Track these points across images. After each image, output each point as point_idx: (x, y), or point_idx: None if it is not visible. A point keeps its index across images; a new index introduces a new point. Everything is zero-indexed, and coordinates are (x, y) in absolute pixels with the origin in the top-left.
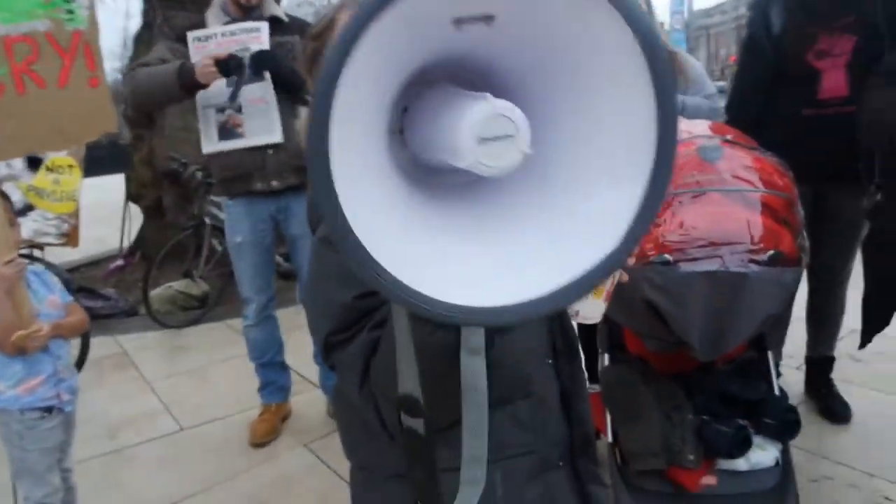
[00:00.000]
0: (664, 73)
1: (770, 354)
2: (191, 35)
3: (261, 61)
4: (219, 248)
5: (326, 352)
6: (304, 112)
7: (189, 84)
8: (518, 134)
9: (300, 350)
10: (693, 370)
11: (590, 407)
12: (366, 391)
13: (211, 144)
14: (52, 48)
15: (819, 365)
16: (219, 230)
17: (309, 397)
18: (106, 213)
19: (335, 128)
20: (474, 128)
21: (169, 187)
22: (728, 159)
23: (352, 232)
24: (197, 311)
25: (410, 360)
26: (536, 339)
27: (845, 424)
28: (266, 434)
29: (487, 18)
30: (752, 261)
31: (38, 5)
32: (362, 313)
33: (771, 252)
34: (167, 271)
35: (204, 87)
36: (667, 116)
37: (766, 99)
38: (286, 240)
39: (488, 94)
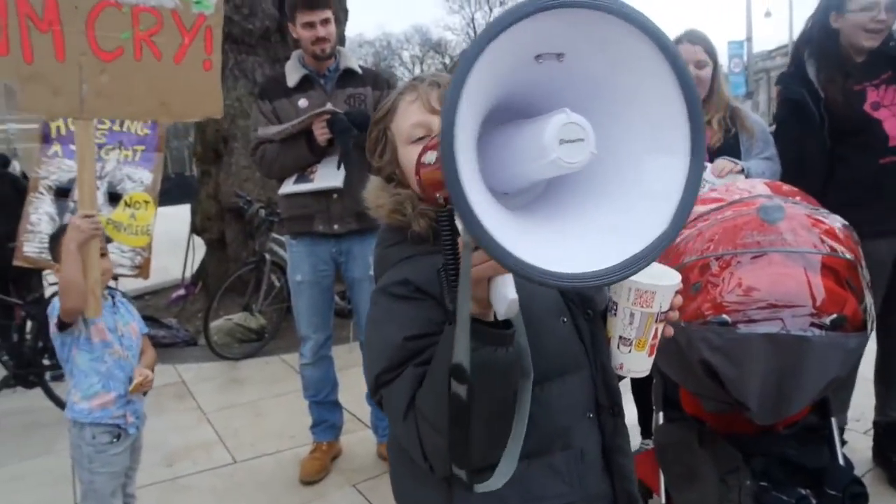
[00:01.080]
0: (684, 74)
1: (834, 420)
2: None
3: (356, 122)
4: (277, 283)
5: (375, 390)
6: None
7: (320, 153)
8: (587, 137)
9: (353, 389)
10: (752, 433)
11: (633, 463)
12: (409, 420)
13: (287, 187)
14: (175, 25)
15: (889, 430)
16: (278, 267)
17: (360, 437)
18: (170, 243)
19: (461, 158)
20: (557, 132)
21: (232, 222)
22: (790, 219)
23: (487, 231)
24: (254, 343)
25: (465, 335)
26: (578, 392)
27: None
28: (316, 472)
29: (560, 55)
30: (813, 324)
31: None
32: (411, 353)
33: (834, 316)
34: (227, 304)
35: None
36: (693, 105)
37: (830, 161)
38: (346, 282)
39: (566, 108)
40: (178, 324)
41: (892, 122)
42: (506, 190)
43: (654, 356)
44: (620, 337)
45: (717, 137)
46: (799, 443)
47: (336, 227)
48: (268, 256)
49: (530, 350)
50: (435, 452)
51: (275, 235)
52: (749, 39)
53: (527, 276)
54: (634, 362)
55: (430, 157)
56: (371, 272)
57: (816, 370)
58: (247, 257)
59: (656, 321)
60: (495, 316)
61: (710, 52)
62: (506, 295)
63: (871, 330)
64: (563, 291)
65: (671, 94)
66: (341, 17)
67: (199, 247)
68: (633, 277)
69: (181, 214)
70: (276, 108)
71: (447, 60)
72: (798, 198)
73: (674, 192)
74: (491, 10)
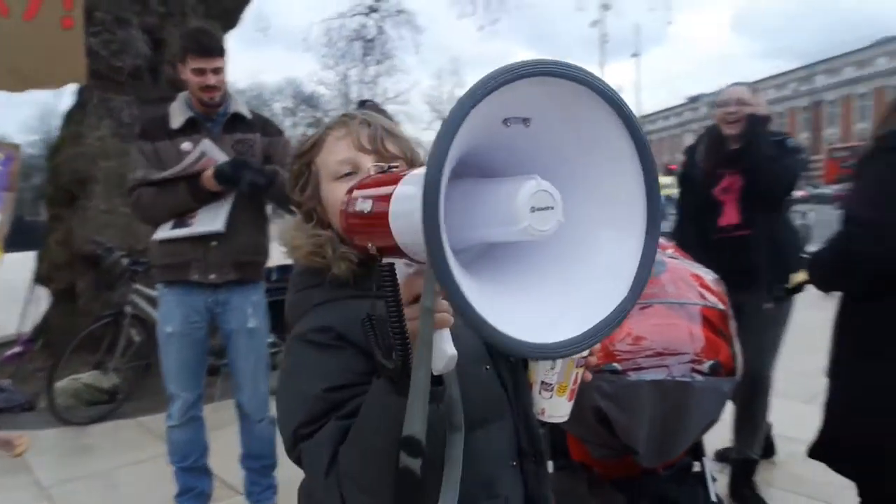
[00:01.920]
0: (647, 152)
1: (705, 461)
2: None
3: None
4: (136, 339)
5: (294, 444)
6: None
7: (203, 198)
8: (556, 205)
9: (222, 452)
10: (635, 476)
11: None
12: (332, 477)
13: (163, 232)
14: None
15: (745, 466)
16: (140, 320)
17: None
18: (4, 294)
19: (441, 222)
20: (528, 200)
21: (85, 271)
22: (671, 273)
23: (465, 298)
24: (105, 406)
25: (422, 406)
26: (502, 440)
27: None
28: None
29: (526, 120)
30: (694, 370)
31: None
32: (332, 405)
33: (711, 362)
34: (73, 362)
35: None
36: (651, 182)
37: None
38: (222, 334)
39: (536, 175)
40: (13, 385)
41: (729, 206)
42: (455, 247)
43: (573, 401)
44: (542, 382)
45: None
46: (677, 483)
47: (212, 276)
48: (128, 309)
49: (470, 396)
50: None
51: (137, 287)
52: None
53: (500, 346)
54: (555, 407)
55: (364, 205)
56: (249, 325)
57: (697, 413)
58: (100, 310)
59: (576, 366)
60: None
61: None
62: (446, 351)
63: (739, 375)
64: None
65: (631, 169)
66: None
67: (41, 298)
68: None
69: (19, 262)
70: (157, 150)
71: (319, 114)
72: (673, 250)
73: (630, 266)
74: (366, 66)
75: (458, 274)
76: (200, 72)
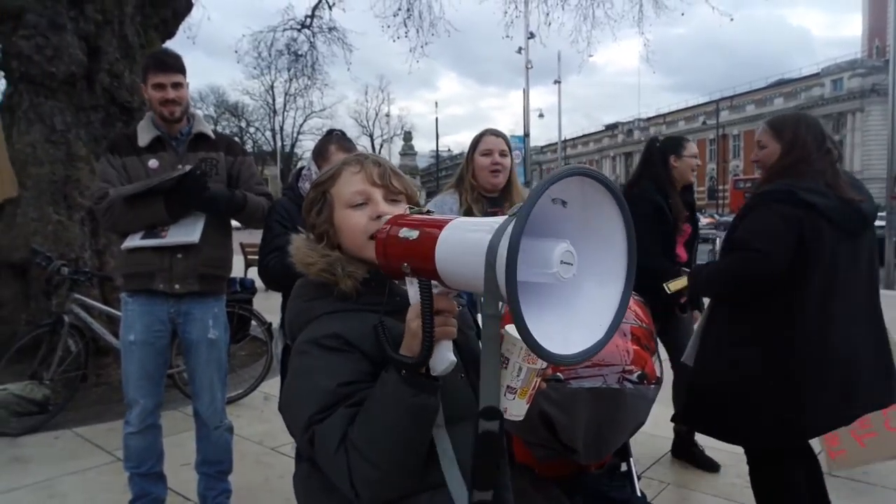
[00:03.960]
0: (629, 221)
1: (631, 460)
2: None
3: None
4: (73, 349)
5: (307, 428)
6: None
7: (178, 213)
8: (574, 262)
9: (171, 460)
10: (571, 475)
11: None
12: (340, 453)
13: (132, 241)
14: None
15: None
16: (77, 330)
17: None
18: None
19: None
20: (560, 255)
21: (11, 281)
22: None
23: (525, 321)
24: (38, 416)
25: (495, 382)
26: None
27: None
28: None
29: (564, 202)
30: (626, 379)
31: None
32: (341, 397)
33: (639, 372)
34: (2, 371)
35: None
36: (631, 244)
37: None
38: (183, 344)
39: (567, 239)
40: None
41: (680, 247)
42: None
43: (529, 404)
44: (508, 386)
45: None
46: (608, 480)
47: (177, 286)
48: (66, 318)
49: (447, 397)
50: (363, 482)
51: (76, 296)
52: (527, 135)
53: (542, 355)
54: (515, 408)
55: (411, 233)
56: (209, 335)
57: (628, 416)
58: (27, 319)
59: (537, 375)
60: (427, 369)
61: (509, 146)
62: (448, 357)
63: (660, 383)
64: (460, 352)
65: (620, 238)
66: None
67: None
68: (523, 338)
69: None
70: (125, 165)
71: (243, 124)
72: None
73: (613, 304)
74: (290, 80)
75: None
76: (160, 87)
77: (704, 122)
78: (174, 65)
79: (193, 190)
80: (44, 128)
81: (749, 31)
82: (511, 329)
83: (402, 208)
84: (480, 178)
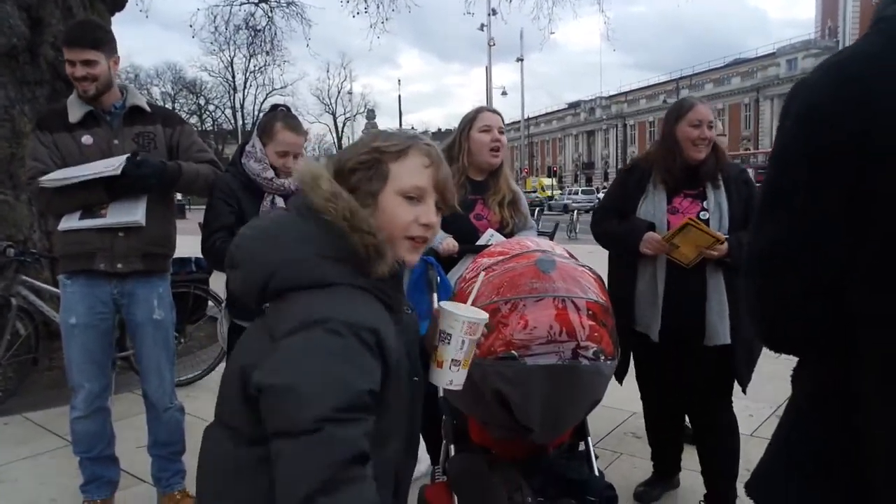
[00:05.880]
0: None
1: (589, 439)
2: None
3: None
4: (23, 332)
5: (322, 420)
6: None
7: (118, 193)
8: None
9: (123, 442)
10: (528, 456)
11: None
12: (352, 470)
13: (70, 222)
14: None
15: None
16: (26, 313)
17: (134, 492)
18: None
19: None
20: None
21: None
22: (560, 270)
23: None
24: None
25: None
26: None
27: None
28: None
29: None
30: (581, 356)
31: None
32: (364, 407)
33: (595, 348)
34: None
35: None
36: None
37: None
38: (128, 326)
39: None
40: None
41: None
42: None
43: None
44: (453, 360)
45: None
46: (566, 460)
47: (119, 265)
48: (14, 301)
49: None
50: None
51: (24, 278)
52: None
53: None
54: (459, 378)
55: None
56: (155, 316)
57: (584, 393)
58: None
59: (476, 346)
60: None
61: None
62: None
63: (616, 358)
64: (422, 353)
65: None
66: None
67: None
68: (463, 314)
69: None
70: (56, 142)
71: (202, 101)
72: (562, 251)
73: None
74: (250, 56)
75: None
76: (71, 63)
77: (665, 101)
78: (83, 39)
79: (136, 179)
80: None
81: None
82: (449, 306)
83: (438, 220)
84: (478, 157)
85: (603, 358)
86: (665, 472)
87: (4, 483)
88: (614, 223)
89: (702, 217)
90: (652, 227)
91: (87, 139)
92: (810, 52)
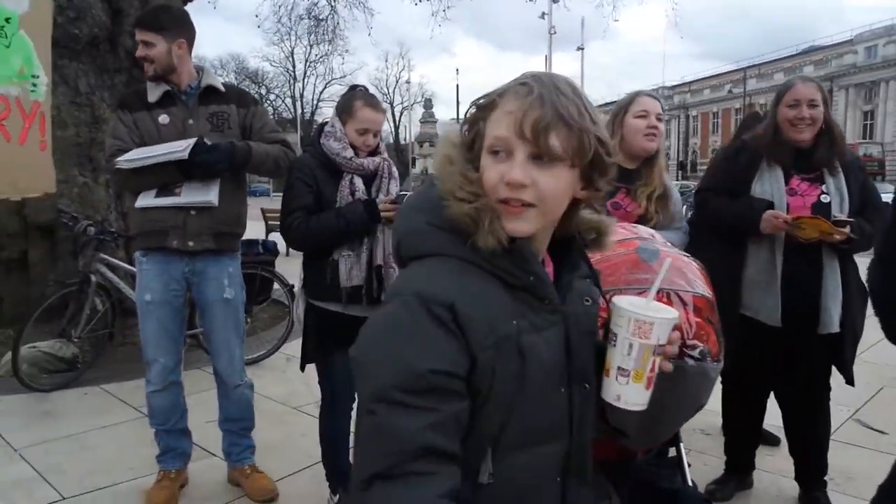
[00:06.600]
0: None
1: (682, 446)
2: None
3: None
4: (101, 308)
5: (370, 400)
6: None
7: (190, 175)
8: None
9: (195, 416)
10: (616, 460)
11: None
12: (407, 474)
13: (146, 199)
14: (18, 110)
15: None
16: (104, 289)
17: (204, 465)
18: None
19: None
20: None
21: (38, 240)
22: (663, 259)
23: None
24: (67, 373)
25: None
26: (551, 459)
27: None
28: (165, 501)
29: None
30: (687, 355)
31: (13, 74)
32: (429, 388)
33: (701, 347)
34: (31, 330)
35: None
36: None
37: None
38: (198, 305)
39: None
40: None
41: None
42: None
43: (651, 390)
44: (619, 367)
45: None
46: (656, 467)
47: (191, 243)
48: (93, 278)
49: (520, 414)
50: None
51: (103, 255)
52: None
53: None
54: (631, 394)
55: None
56: (225, 295)
57: (687, 397)
58: (54, 279)
59: (654, 353)
60: None
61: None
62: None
63: (722, 361)
64: (570, 359)
65: None
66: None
67: None
68: (633, 309)
69: None
70: (136, 120)
71: (263, 91)
72: (662, 238)
73: None
74: (311, 46)
75: None
76: (137, 45)
77: (730, 91)
78: (142, 21)
79: (202, 163)
80: (68, 90)
81: None
82: (619, 300)
83: (564, 176)
84: (632, 143)
85: (709, 359)
86: (738, 470)
87: (90, 448)
88: (725, 202)
89: (822, 201)
90: (770, 206)
91: (163, 118)
92: (892, 38)
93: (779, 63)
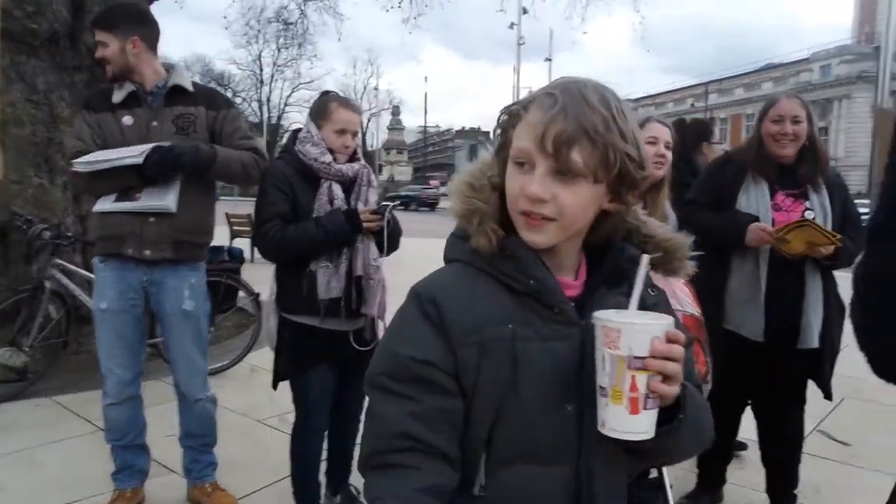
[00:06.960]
0: None
1: (664, 469)
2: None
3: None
4: (55, 315)
5: (368, 385)
6: None
7: (150, 179)
8: None
9: (154, 429)
10: None
11: None
12: (390, 463)
13: (105, 203)
14: None
15: None
16: (59, 296)
17: (162, 482)
18: None
19: None
20: None
21: None
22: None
23: None
24: (16, 384)
25: None
26: (558, 483)
27: None
28: None
29: None
30: None
31: None
32: (407, 376)
33: None
34: None
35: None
36: None
37: None
38: (156, 317)
39: None
40: None
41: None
42: None
43: (640, 416)
44: (600, 387)
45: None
46: (637, 488)
47: (147, 252)
48: (47, 284)
49: (514, 424)
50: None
51: (58, 261)
52: None
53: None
54: (614, 419)
55: None
56: (184, 307)
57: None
58: (6, 284)
59: (630, 368)
60: None
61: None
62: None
63: (710, 382)
64: (583, 376)
65: None
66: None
67: None
68: (600, 315)
69: None
70: (99, 122)
71: (229, 94)
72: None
73: None
74: (279, 49)
75: None
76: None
77: (693, 105)
78: (97, 21)
79: (156, 169)
80: (25, 87)
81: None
82: (604, 313)
83: (586, 191)
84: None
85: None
86: (710, 484)
87: (36, 464)
88: (710, 215)
89: (807, 216)
90: (755, 220)
91: (127, 119)
92: (845, 58)
93: (739, 79)
